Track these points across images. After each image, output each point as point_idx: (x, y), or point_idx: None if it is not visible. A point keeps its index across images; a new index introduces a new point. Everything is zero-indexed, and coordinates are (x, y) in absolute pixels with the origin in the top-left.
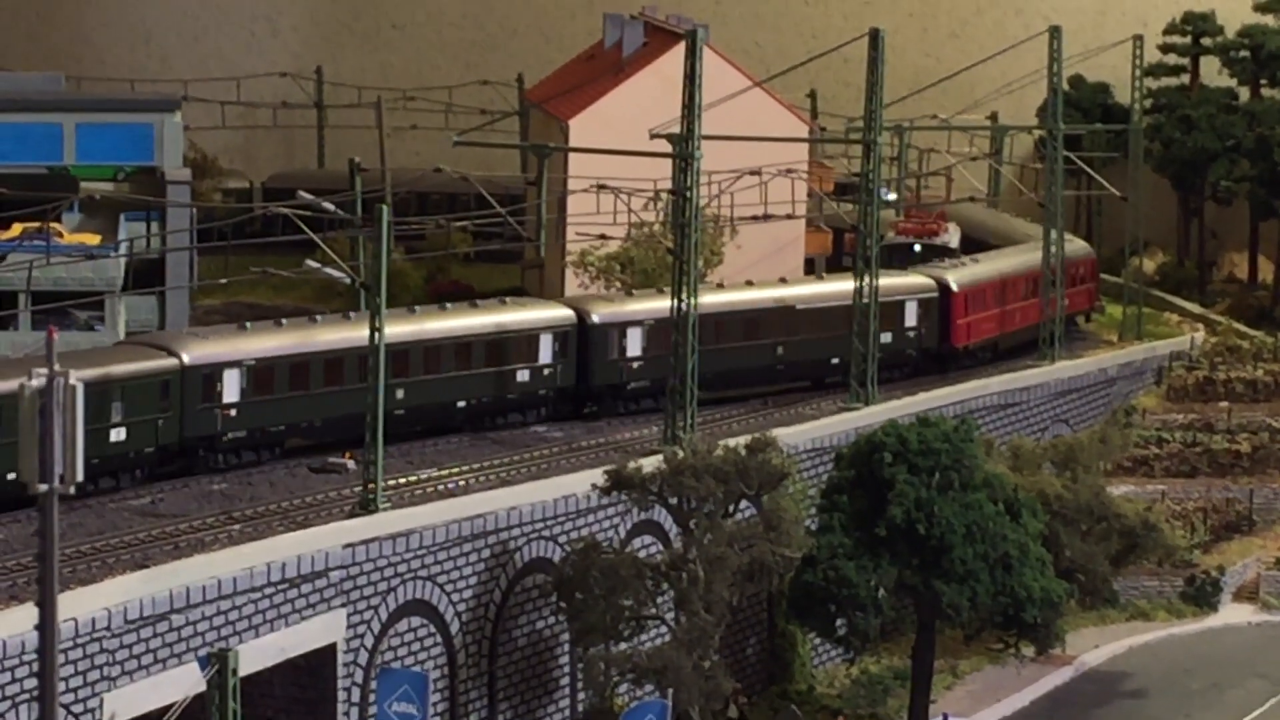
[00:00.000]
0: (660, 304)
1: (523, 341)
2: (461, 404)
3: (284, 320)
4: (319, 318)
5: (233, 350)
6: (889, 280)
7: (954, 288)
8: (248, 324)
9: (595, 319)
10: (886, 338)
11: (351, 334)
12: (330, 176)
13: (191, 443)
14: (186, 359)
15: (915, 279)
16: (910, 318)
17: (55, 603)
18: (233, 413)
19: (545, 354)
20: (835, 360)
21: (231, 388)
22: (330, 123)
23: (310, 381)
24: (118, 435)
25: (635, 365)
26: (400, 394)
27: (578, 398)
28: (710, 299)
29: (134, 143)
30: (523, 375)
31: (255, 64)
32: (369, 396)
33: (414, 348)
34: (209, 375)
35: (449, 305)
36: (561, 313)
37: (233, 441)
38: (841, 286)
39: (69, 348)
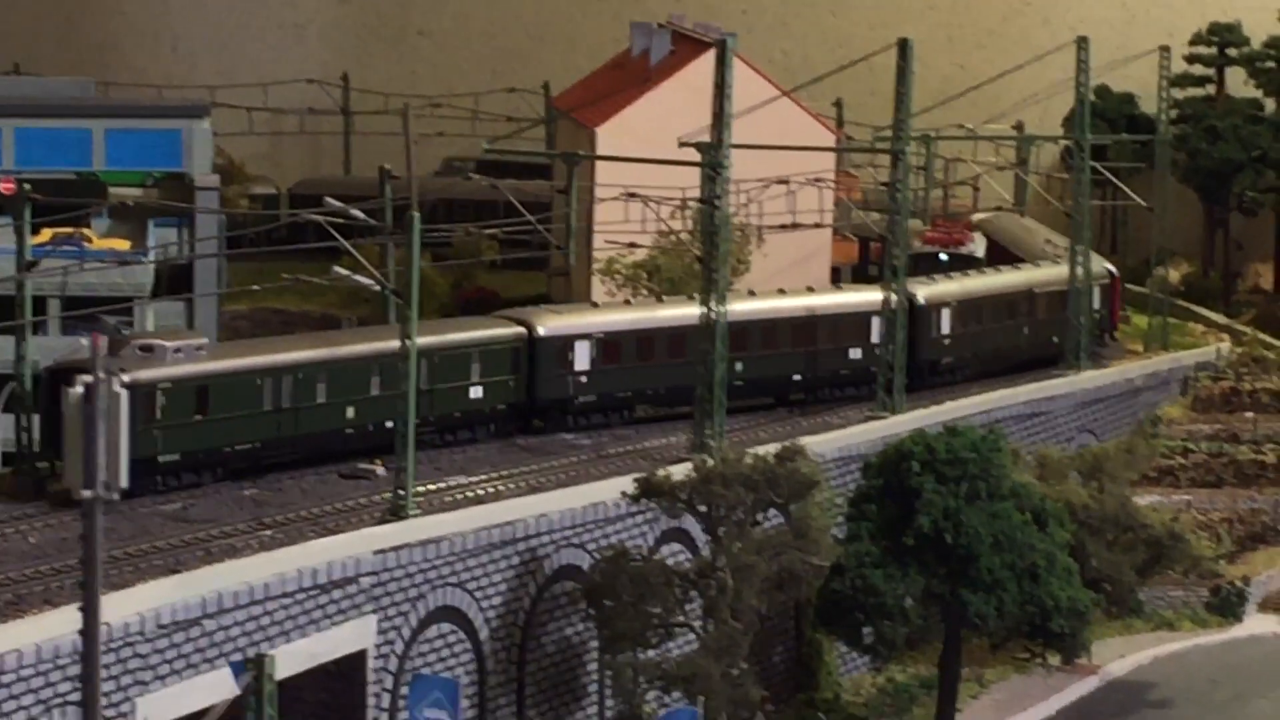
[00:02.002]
0: (960, 286)
1: (856, 322)
2: (797, 377)
3: (631, 299)
4: (664, 298)
5: (584, 324)
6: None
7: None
8: (598, 302)
9: (921, 301)
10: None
11: (694, 311)
12: (357, 183)
13: (546, 405)
14: (542, 331)
15: (1095, 267)
16: (1096, 302)
17: (99, 607)
18: (584, 379)
19: (876, 334)
20: (1055, 339)
21: (582, 357)
22: (357, 129)
23: (655, 353)
24: (475, 393)
25: (947, 342)
26: (739, 367)
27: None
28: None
29: (163, 149)
30: (855, 353)
31: (282, 70)
32: (401, 404)
33: (752, 326)
34: (562, 346)
35: (785, 289)
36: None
37: (584, 405)
38: (1035, 275)
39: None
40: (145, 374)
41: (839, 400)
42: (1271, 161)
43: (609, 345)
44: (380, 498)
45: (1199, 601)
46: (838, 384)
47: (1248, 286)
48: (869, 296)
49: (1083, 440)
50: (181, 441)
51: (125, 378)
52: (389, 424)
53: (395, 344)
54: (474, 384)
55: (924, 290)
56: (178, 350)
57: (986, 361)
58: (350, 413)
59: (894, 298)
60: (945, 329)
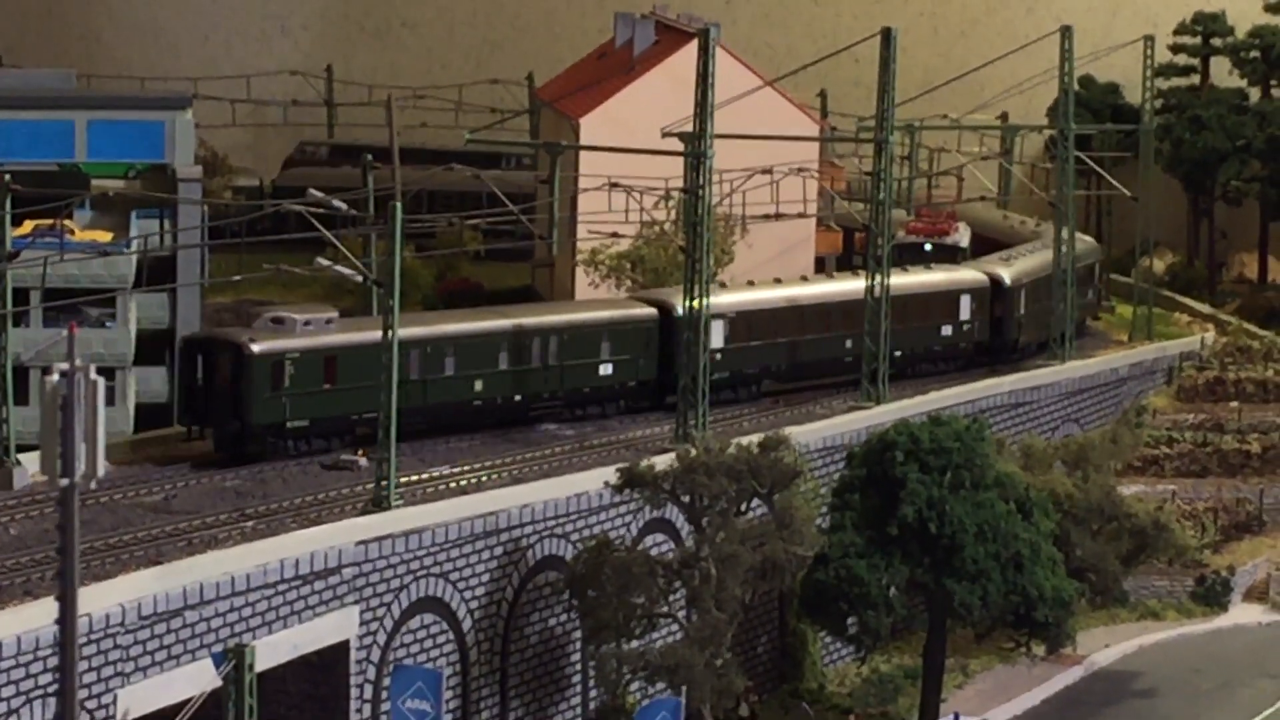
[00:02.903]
0: (1027, 265)
1: (948, 300)
2: (898, 353)
3: (753, 280)
4: (779, 279)
5: (718, 304)
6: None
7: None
8: (725, 283)
9: (1008, 282)
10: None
11: (814, 290)
12: (340, 175)
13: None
14: (681, 311)
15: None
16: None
17: (76, 597)
18: (718, 356)
19: (965, 312)
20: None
21: (717, 336)
22: (340, 121)
23: (780, 331)
24: (605, 370)
25: (1023, 321)
26: (849, 344)
27: (989, 351)
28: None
29: (145, 140)
30: (946, 330)
31: (266, 62)
32: (384, 394)
33: (859, 306)
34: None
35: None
36: (978, 275)
37: (718, 382)
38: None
39: (81, 345)
40: (274, 344)
41: (935, 374)
42: (1256, 151)
43: (739, 324)
44: (363, 488)
45: (1184, 591)
46: (931, 359)
47: (1232, 276)
48: (959, 275)
49: (1067, 430)
50: (309, 408)
51: (255, 348)
52: (517, 398)
53: (525, 321)
54: (604, 361)
55: (1008, 270)
56: (307, 323)
57: (1041, 337)
58: (478, 386)
59: (878, 285)
60: (1023, 309)
